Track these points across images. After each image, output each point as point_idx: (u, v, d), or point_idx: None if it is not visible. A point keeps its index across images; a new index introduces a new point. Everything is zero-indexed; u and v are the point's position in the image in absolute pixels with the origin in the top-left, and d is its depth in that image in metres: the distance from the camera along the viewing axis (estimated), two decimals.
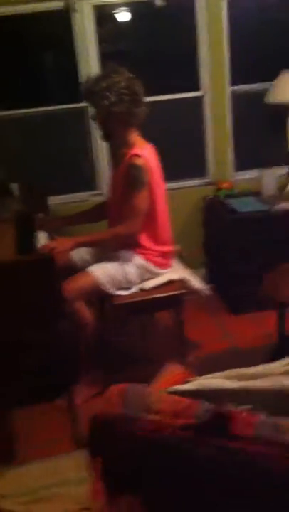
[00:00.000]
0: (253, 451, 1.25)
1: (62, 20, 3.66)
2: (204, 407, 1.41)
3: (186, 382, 1.75)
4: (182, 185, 4.09)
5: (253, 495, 1.27)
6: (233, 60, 3.93)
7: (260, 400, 1.51)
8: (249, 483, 1.25)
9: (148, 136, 3.00)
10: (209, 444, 1.31)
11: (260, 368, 1.76)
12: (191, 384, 1.67)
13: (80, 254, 3.05)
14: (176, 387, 1.66)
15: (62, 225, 3.27)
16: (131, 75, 2.84)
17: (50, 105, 3.85)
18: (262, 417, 1.33)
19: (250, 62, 4.00)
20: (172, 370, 2.03)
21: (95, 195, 3.97)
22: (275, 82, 3.79)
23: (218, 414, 1.33)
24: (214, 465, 1.30)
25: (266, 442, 1.25)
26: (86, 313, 2.82)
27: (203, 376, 1.78)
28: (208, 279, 4.09)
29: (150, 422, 1.41)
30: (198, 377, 1.79)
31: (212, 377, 1.76)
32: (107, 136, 3.00)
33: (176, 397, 1.47)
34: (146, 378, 1.86)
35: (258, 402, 1.47)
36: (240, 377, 1.72)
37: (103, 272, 2.84)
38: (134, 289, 2.90)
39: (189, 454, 1.34)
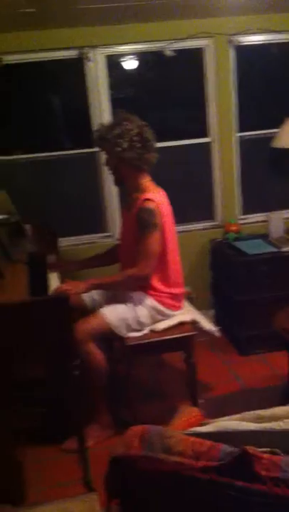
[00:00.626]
0: (282, 494, 1.24)
1: (75, 68, 3.78)
2: (226, 449, 1.41)
3: (203, 424, 1.76)
4: (190, 228, 4.15)
5: None
6: (241, 108, 4.05)
7: (280, 441, 1.51)
8: None
9: (158, 181, 3.06)
10: (233, 486, 1.30)
11: (277, 410, 1.76)
12: (209, 426, 1.67)
13: (90, 294, 3.07)
14: (194, 429, 1.65)
15: (76, 268, 3.31)
16: (142, 123, 2.93)
17: (63, 150, 3.95)
18: (285, 457, 1.33)
19: (257, 109, 4.14)
20: (188, 412, 2.03)
21: (105, 237, 4.04)
22: (282, 128, 3.89)
23: (241, 456, 1.33)
24: (240, 507, 1.30)
25: None
26: (97, 354, 2.82)
27: (220, 418, 1.79)
28: (217, 320, 4.11)
29: (171, 464, 1.40)
30: (215, 420, 1.79)
31: (229, 419, 1.76)
32: (118, 181, 3.07)
33: (197, 439, 1.47)
34: (159, 418, 1.86)
35: (277, 444, 1.47)
36: (258, 419, 1.73)
37: (115, 315, 2.86)
38: (145, 331, 2.91)
39: (212, 497, 1.34)
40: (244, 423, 1.68)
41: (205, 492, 1.37)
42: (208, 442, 1.43)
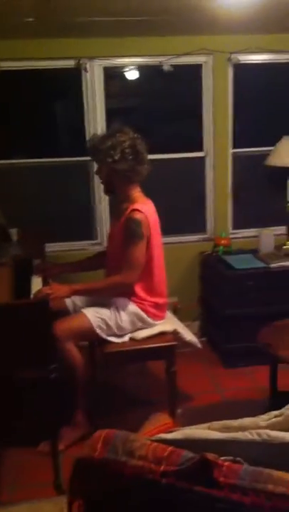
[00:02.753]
0: (237, 500, 1.26)
1: (73, 78, 3.84)
2: (187, 455, 1.43)
3: (171, 431, 1.78)
4: (181, 240, 4.20)
5: None
6: (236, 125, 4.10)
7: (243, 451, 1.53)
8: None
9: (151, 192, 3.10)
10: (192, 490, 1.32)
11: (245, 421, 1.79)
12: (175, 433, 1.69)
13: (72, 299, 3.09)
14: (160, 436, 1.68)
15: (61, 272, 3.33)
16: (135, 135, 2.98)
17: (57, 157, 3.99)
18: (245, 466, 1.35)
19: (253, 127, 4.20)
20: (159, 419, 2.05)
21: (93, 244, 4.07)
22: (276, 146, 3.95)
23: (201, 462, 1.35)
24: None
25: (250, 491, 1.27)
26: (76, 354, 2.85)
27: (188, 427, 1.81)
28: (203, 332, 4.14)
29: (132, 467, 1.42)
30: (182, 428, 1.81)
31: (196, 428, 1.78)
32: (109, 191, 3.13)
33: (160, 445, 1.49)
34: (134, 425, 1.88)
35: (240, 453, 1.49)
36: (225, 429, 1.75)
37: (96, 315, 2.89)
38: (125, 338, 2.94)
39: (171, 500, 1.36)
40: (210, 432, 1.71)
41: (165, 496, 1.39)
42: (170, 448, 1.46)
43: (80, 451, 1.54)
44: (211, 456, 1.37)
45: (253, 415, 1.84)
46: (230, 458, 1.43)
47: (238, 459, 1.43)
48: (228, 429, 1.75)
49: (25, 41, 3.62)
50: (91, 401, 2.99)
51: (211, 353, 3.92)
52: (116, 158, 2.89)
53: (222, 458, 1.42)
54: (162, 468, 1.40)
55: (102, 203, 4.03)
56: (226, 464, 1.37)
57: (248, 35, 3.89)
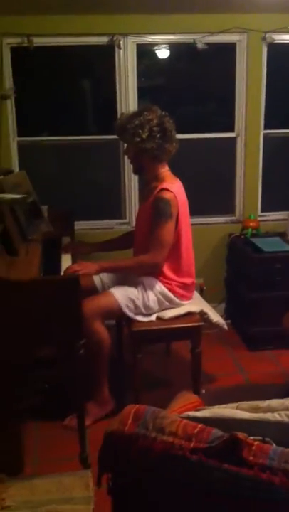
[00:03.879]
0: (266, 480, 1.27)
1: (106, 55, 3.81)
2: (217, 433, 1.44)
3: (199, 409, 1.79)
4: (210, 221, 4.17)
5: None
6: (268, 105, 4.04)
7: (271, 432, 1.53)
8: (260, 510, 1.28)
9: (180, 171, 3.08)
10: (221, 468, 1.33)
11: (273, 402, 1.78)
12: (204, 411, 1.70)
13: (100, 277, 3.11)
14: (189, 413, 1.69)
15: (89, 251, 3.35)
16: (163, 113, 2.95)
17: (87, 134, 3.99)
18: (274, 446, 1.35)
19: (285, 108, 4.12)
20: (187, 397, 2.06)
21: (121, 223, 4.07)
22: None
23: (231, 440, 1.36)
24: (225, 490, 1.32)
25: (279, 471, 1.28)
26: (103, 332, 2.86)
27: (216, 406, 1.82)
28: (227, 314, 4.13)
29: (162, 443, 1.44)
30: (211, 406, 1.82)
31: (224, 407, 1.79)
32: (137, 170, 3.11)
33: (190, 422, 1.50)
34: (159, 403, 1.89)
35: (268, 434, 1.49)
36: (253, 409, 1.75)
37: (124, 294, 2.90)
38: (152, 317, 2.94)
39: (200, 477, 1.37)
40: (239, 411, 1.71)
41: (193, 473, 1.40)
42: (199, 425, 1.46)
43: (105, 427, 1.55)
44: (240, 435, 1.37)
45: (277, 398, 1.84)
46: (259, 438, 1.44)
47: (267, 439, 1.43)
48: (256, 409, 1.75)
49: (59, 17, 3.59)
50: (117, 379, 3.01)
51: (235, 336, 3.91)
52: (144, 136, 2.87)
53: (251, 437, 1.43)
54: (192, 445, 1.41)
55: (132, 181, 4.02)
56: (256, 443, 1.38)
57: (284, 14, 3.81)
